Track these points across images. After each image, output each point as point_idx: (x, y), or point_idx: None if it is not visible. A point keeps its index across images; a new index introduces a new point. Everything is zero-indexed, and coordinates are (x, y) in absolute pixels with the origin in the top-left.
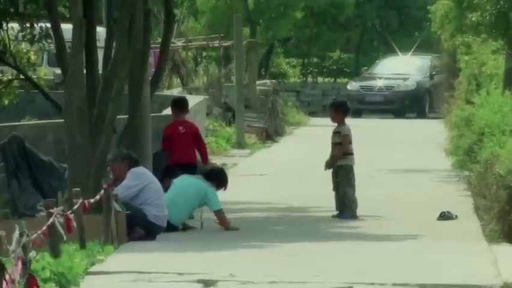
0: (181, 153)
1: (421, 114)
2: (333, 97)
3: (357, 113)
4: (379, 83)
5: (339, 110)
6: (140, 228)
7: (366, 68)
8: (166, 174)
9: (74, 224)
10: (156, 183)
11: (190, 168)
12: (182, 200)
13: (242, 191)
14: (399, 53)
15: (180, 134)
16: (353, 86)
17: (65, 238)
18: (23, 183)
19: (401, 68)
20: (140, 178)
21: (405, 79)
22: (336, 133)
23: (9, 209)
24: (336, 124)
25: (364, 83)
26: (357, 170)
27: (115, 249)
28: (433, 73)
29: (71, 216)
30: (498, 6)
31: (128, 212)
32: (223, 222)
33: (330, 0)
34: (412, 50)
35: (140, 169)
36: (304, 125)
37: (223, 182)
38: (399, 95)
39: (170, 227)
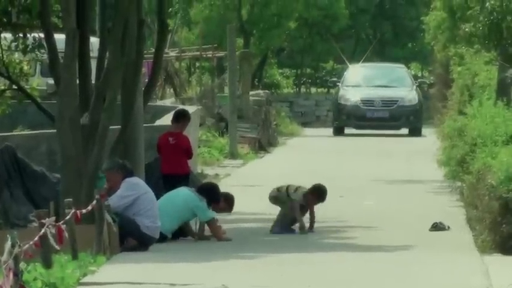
0: (170, 164)
1: (416, 132)
2: (326, 108)
3: (357, 128)
4: (379, 96)
5: (321, 199)
6: (133, 238)
7: (335, 79)
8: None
9: (66, 234)
10: (150, 194)
11: (180, 179)
12: (171, 209)
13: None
14: (347, 62)
15: (169, 145)
16: (346, 99)
17: (55, 247)
18: (15, 194)
19: (382, 79)
20: (134, 188)
21: (405, 91)
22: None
23: (1, 219)
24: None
25: (363, 96)
26: (350, 180)
27: (107, 259)
28: (419, 84)
29: (63, 226)
30: (491, 17)
31: (116, 223)
32: (216, 232)
33: (324, 11)
34: (363, 59)
35: (135, 179)
36: (298, 136)
37: (213, 198)
38: (405, 110)
39: (160, 236)
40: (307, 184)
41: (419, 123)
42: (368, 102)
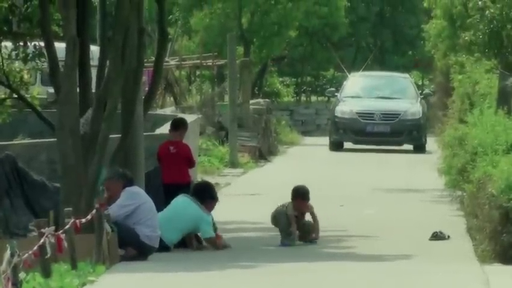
0: (170, 174)
1: (420, 148)
2: (326, 117)
3: (355, 143)
4: (379, 108)
5: (305, 198)
6: (133, 248)
7: (333, 89)
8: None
9: (65, 244)
10: (150, 203)
11: (181, 188)
12: (176, 221)
13: (235, 210)
14: (346, 71)
15: (170, 154)
16: (344, 111)
17: (48, 255)
18: (15, 203)
19: (384, 89)
20: (134, 197)
21: (408, 104)
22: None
23: (0, 229)
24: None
25: (362, 109)
26: (350, 189)
27: (106, 269)
28: (425, 95)
29: (63, 236)
30: (491, 26)
31: (115, 232)
32: (213, 247)
33: (324, 20)
34: (363, 67)
35: (135, 188)
36: (298, 145)
37: (207, 195)
38: (407, 124)
39: (163, 247)
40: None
41: (423, 139)
42: (367, 115)
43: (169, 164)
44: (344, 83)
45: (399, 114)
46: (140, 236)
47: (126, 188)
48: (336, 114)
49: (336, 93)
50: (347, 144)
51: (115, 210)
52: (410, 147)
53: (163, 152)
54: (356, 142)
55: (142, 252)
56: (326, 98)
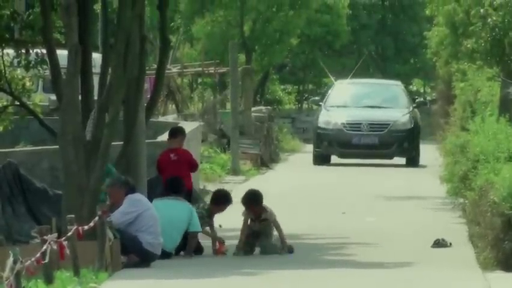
0: None
1: (412, 162)
2: None
3: (341, 157)
4: (367, 118)
5: (253, 203)
6: (135, 255)
7: (317, 98)
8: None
9: (68, 251)
10: (151, 211)
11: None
12: (169, 227)
13: (236, 217)
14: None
15: (171, 162)
16: (328, 121)
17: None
18: (18, 210)
19: (372, 98)
20: (137, 205)
21: (399, 113)
22: (263, 221)
23: (3, 236)
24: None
25: (348, 119)
26: (352, 197)
27: (109, 276)
28: (418, 103)
29: (65, 243)
30: (493, 33)
31: (117, 239)
32: (193, 245)
33: (326, 27)
34: (352, 73)
35: (138, 196)
36: (299, 152)
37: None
38: (398, 135)
39: (164, 254)
40: (308, 200)
41: (414, 151)
42: (353, 125)
43: (170, 171)
44: (329, 91)
45: (389, 125)
46: (143, 243)
47: (128, 196)
48: (319, 125)
49: (320, 102)
50: (333, 158)
51: (117, 217)
52: (402, 160)
53: (165, 160)
54: (341, 155)
55: (145, 260)
56: None
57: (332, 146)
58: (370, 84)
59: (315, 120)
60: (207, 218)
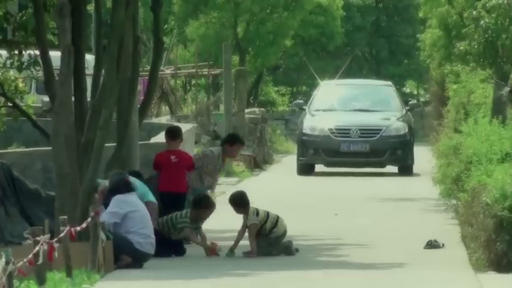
0: (170, 182)
1: (406, 170)
2: None
3: (328, 165)
4: (357, 123)
5: (240, 205)
6: (127, 255)
7: (301, 101)
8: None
9: (56, 253)
10: (141, 212)
11: (178, 197)
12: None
13: (230, 219)
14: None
15: (171, 164)
16: (313, 127)
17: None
18: (10, 211)
19: (362, 101)
20: (122, 206)
21: (392, 117)
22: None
23: None
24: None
25: (336, 124)
26: (345, 199)
27: (101, 277)
28: (412, 106)
29: (56, 244)
30: (486, 36)
31: (110, 240)
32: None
33: (320, 29)
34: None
35: (124, 196)
36: (293, 154)
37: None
38: (390, 142)
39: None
40: (301, 202)
41: (409, 159)
42: (342, 131)
43: (169, 172)
44: (314, 93)
45: (381, 130)
46: (134, 243)
47: (116, 196)
48: (304, 131)
49: (304, 106)
50: (319, 167)
51: (105, 218)
52: (394, 169)
53: (164, 160)
54: (328, 164)
55: (137, 259)
56: None
57: (318, 155)
58: (359, 85)
59: (299, 125)
60: (191, 223)
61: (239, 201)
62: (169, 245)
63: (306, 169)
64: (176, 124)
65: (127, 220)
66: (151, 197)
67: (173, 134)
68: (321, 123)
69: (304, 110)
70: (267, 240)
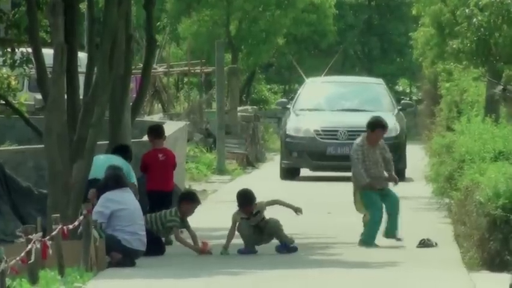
0: (159, 181)
1: (398, 174)
2: None
3: (314, 169)
4: (344, 124)
5: (248, 203)
6: (117, 252)
7: (284, 100)
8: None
9: (50, 251)
10: (128, 210)
11: (166, 195)
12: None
13: (222, 217)
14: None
15: (159, 162)
16: (297, 128)
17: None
18: (2, 209)
19: (351, 99)
20: (106, 204)
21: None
22: (256, 214)
23: None
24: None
25: (322, 125)
26: (337, 197)
27: (93, 275)
28: (404, 105)
29: (49, 242)
30: (479, 34)
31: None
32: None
33: (313, 27)
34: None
35: (111, 194)
36: None
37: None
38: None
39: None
40: (293, 201)
41: (401, 162)
42: (328, 133)
43: (157, 171)
44: (298, 91)
45: None
46: (121, 241)
47: (104, 194)
48: (287, 132)
49: (288, 105)
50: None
51: (93, 217)
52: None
53: (151, 159)
54: (314, 168)
55: (127, 255)
56: None
57: (303, 158)
58: (347, 82)
59: (282, 126)
60: (180, 223)
61: (251, 197)
62: (155, 243)
63: (290, 173)
64: (167, 122)
65: (113, 218)
66: (133, 178)
67: (158, 132)
68: (306, 124)
69: (288, 109)
70: (258, 228)
